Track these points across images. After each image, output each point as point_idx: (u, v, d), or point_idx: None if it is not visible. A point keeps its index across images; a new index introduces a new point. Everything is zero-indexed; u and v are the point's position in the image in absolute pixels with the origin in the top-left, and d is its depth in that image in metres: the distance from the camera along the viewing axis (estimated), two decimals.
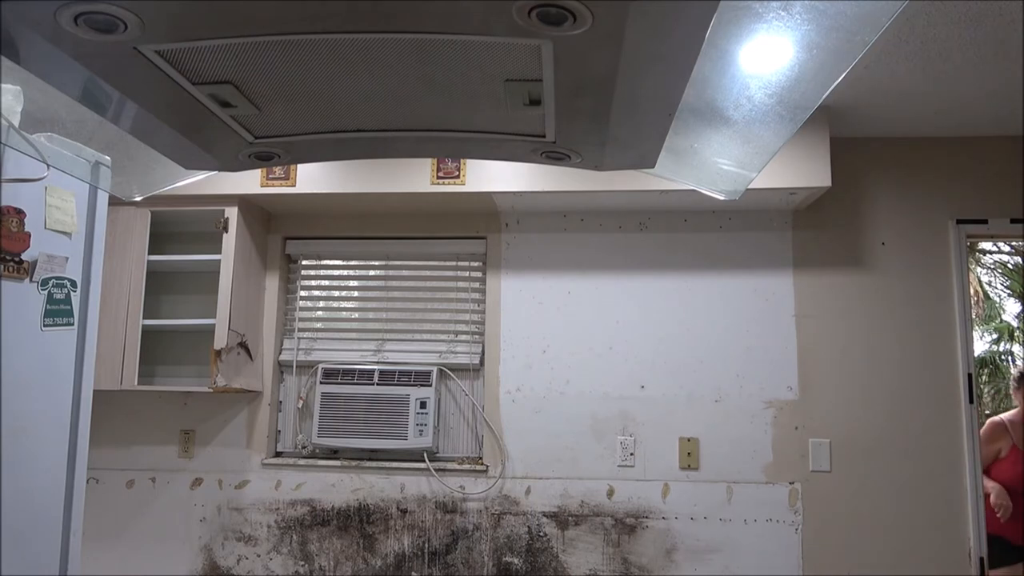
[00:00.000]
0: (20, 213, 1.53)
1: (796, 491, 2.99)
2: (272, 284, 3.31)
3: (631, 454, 3.06)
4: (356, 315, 3.36)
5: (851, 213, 3.13)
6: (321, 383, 3.15)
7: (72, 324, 1.70)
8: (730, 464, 3.03)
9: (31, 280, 1.58)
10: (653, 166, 1.18)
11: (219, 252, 3.02)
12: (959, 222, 3.08)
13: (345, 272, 3.41)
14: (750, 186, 1.30)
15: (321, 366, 3.19)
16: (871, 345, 3.04)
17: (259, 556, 3.15)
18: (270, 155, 1.19)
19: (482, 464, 3.12)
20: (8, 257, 1.51)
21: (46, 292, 1.62)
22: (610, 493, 3.05)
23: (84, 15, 0.76)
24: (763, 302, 3.10)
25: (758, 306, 3.10)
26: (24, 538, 1.56)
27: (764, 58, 0.94)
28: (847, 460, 2.99)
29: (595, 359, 3.14)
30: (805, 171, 2.80)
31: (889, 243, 3.10)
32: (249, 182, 2.98)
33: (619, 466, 3.06)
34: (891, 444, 2.98)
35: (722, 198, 1.36)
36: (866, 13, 0.81)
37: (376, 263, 3.37)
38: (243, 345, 3.10)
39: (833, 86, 0.93)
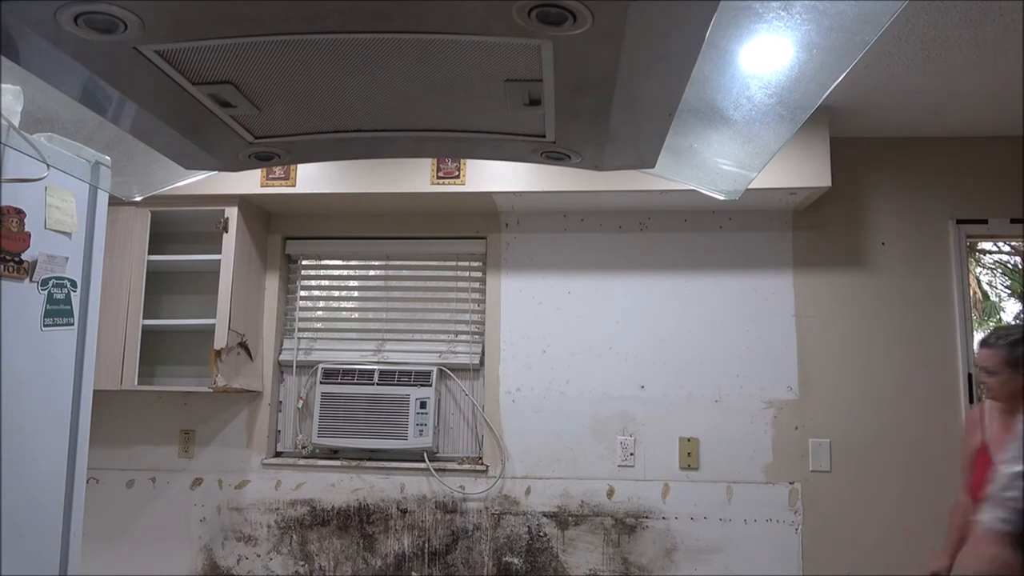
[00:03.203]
0: (20, 213, 1.53)
1: (796, 491, 2.99)
2: (272, 284, 3.31)
3: (631, 454, 3.06)
4: (356, 315, 3.36)
5: (851, 213, 3.13)
6: (321, 383, 3.15)
7: (72, 324, 1.70)
8: (730, 464, 3.03)
9: (31, 280, 1.58)
10: (653, 166, 1.18)
11: (219, 252, 3.02)
12: (959, 222, 3.08)
13: (345, 272, 3.41)
14: (750, 186, 1.30)
15: (321, 366, 3.19)
16: (871, 345, 3.04)
17: (259, 556, 3.15)
18: (270, 155, 1.19)
19: (482, 464, 3.12)
20: (8, 257, 1.51)
21: (46, 292, 1.62)
22: (610, 493, 3.05)
23: (84, 15, 0.76)
24: (763, 302, 3.10)
25: (758, 306, 3.10)
26: (24, 538, 1.56)
27: (764, 58, 0.94)
28: (847, 460, 2.99)
29: (595, 359, 3.14)
30: (805, 171, 2.80)
31: (889, 243, 3.10)
32: (249, 182, 2.98)
33: (619, 466, 3.06)
34: (891, 444, 2.98)
35: (722, 198, 1.36)
36: (866, 13, 0.81)
37: (376, 263, 3.37)
38: (243, 345, 3.10)
39: (833, 86, 0.93)
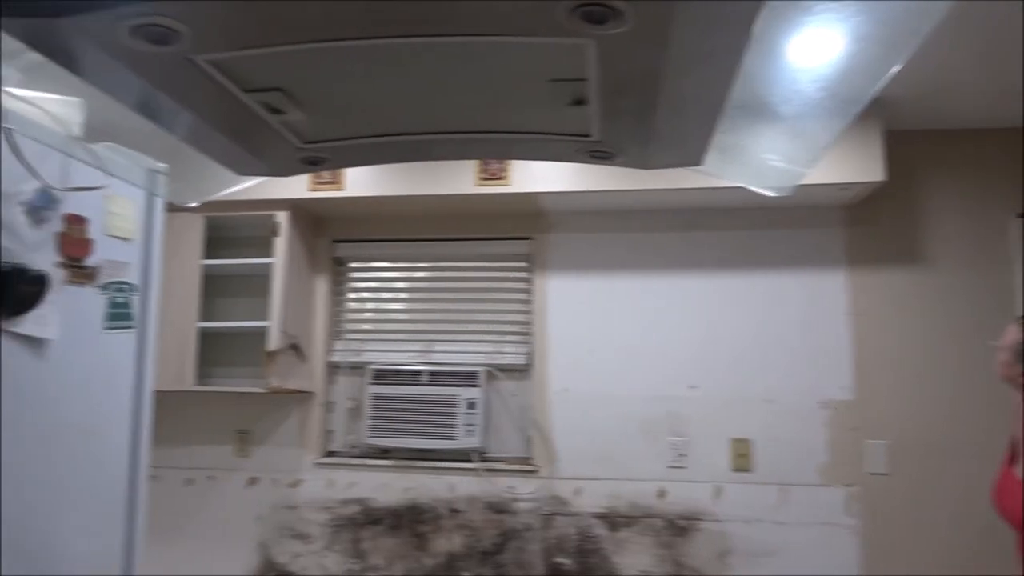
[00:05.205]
0: (83, 220, 1.59)
1: (853, 494, 2.92)
2: (322, 286, 3.37)
3: (681, 455, 3.03)
4: (404, 316, 3.39)
5: (907, 208, 3.04)
6: (371, 383, 3.19)
7: (133, 326, 1.75)
8: (783, 466, 2.97)
9: (94, 284, 1.63)
10: (700, 164, 1.17)
11: (271, 256, 3.08)
12: (1021, 216, 2.97)
13: (393, 274, 3.44)
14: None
15: (371, 367, 3.23)
16: (930, 344, 2.95)
17: (313, 554, 3.21)
18: (318, 159, 1.21)
19: (531, 464, 3.12)
20: (72, 263, 1.56)
21: (108, 296, 1.67)
22: (660, 494, 3.02)
23: (140, 27, 0.79)
24: (815, 300, 3.03)
25: (810, 304, 3.04)
26: (88, 536, 1.62)
27: (813, 51, 0.92)
28: (906, 462, 2.91)
29: (643, 359, 3.11)
30: (857, 165, 2.74)
31: (948, 239, 3.00)
32: (298, 187, 3.04)
33: (669, 467, 3.03)
34: (953, 446, 2.89)
35: (772, 195, 1.33)
36: (920, 5, 0.79)
37: (423, 265, 3.40)
38: (295, 347, 3.15)
39: (885, 79, 0.91)
